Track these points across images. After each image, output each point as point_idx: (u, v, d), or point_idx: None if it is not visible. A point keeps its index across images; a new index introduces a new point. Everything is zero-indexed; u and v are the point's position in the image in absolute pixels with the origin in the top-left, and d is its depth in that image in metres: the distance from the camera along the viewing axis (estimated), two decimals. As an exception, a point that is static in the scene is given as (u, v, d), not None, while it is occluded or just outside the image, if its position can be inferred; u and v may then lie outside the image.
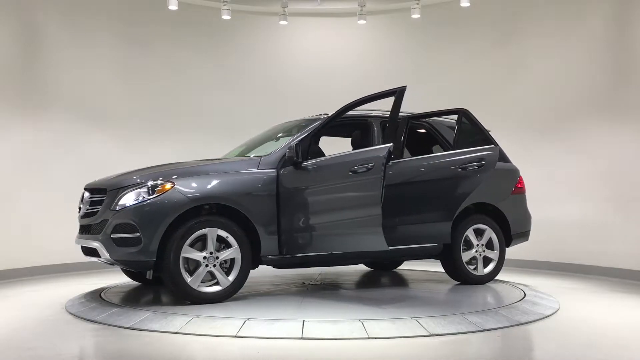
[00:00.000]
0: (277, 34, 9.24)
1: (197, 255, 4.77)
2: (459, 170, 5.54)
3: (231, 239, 4.87)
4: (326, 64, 9.19)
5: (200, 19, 8.92)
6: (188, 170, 4.99)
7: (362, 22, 8.83)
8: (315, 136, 5.32)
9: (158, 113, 8.62)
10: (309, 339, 3.91)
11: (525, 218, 6.44)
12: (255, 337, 3.94)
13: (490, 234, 6.06)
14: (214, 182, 4.90)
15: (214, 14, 8.73)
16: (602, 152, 7.39)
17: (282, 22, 8.82)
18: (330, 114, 5.41)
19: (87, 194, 5.27)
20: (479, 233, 6.04)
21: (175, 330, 4.09)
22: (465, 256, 5.92)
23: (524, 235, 6.43)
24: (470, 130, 5.84)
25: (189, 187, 4.80)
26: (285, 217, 5.02)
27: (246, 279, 5.01)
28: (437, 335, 4.03)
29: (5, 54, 7.26)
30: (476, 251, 6.01)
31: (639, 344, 4.04)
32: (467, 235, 5.94)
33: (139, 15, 8.58)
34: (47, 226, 7.44)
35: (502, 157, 6.30)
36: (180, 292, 4.77)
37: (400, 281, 6.50)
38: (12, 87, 7.33)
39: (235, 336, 3.96)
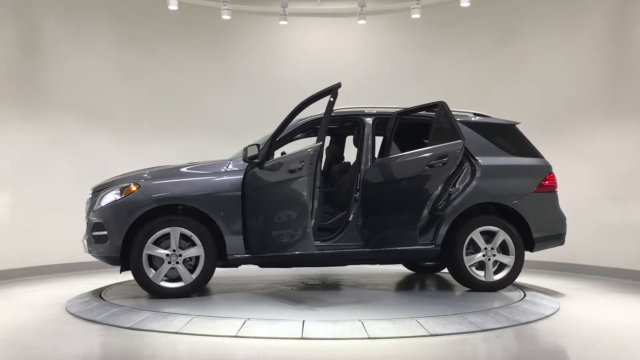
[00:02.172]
0: (277, 34, 9.24)
1: (160, 253, 5.04)
2: (427, 168, 5.11)
3: (195, 238, 5.08)
4: (326, 64, 9.18)
5: (200, 19, 8.93)
6: (159, 173, 5.31)
7: (362, 22, 8.83)
8: (274, 138, 5.28)
9: (158, 113, 8.63)
10: (309, 339, 3.91)
11: (555, 219, 5.83)
12: (255, 337, 3.94)
13: (503, 236, 5.53)
14: (178, 184, 5.16)
15: (214, 14, 8.73)
16: (603, 151, 7.39)
17: (282, 22, 8.82)
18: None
19: (89, 195, 5.56)
20: (492, 235, 5.56)
21: (175, 330, 4.09)
22: (469, 260, 5.49)
23: (554, 238, 5.82)
24: (446, 124, 5.35)
25: (153, 189, 5.11)
26: (249, 216, 5.12)
27: (211, 276, 5.21)
28: (437, 335, 4.03)
29: (6, 54, 7.25)
30: (484, 255, 5.51)
31: (639, 343, 4.04)
32: (472, 238, 5.50)
33: (139, 15, 8.58)
34: (47, 226, 7.44)
35: (527, 152, 5.92)
36: (144, 286, 5.08)
37: (401, 281, 6.50)
38: (12, 87, 7.32)
39: (235, 336, 3.96)
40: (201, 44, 8.99)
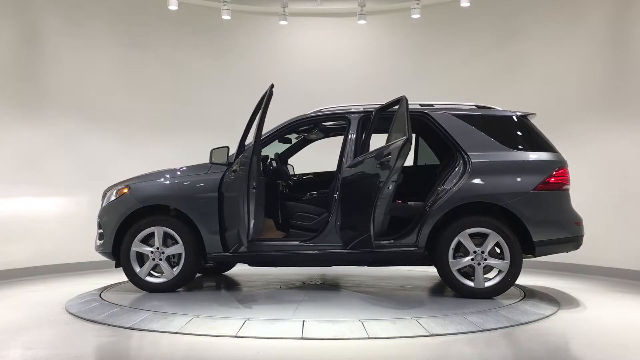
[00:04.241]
0: (277, 34, 9.23)
1: (146, 250, 5.41)
2: (378, 166, 4.83)
3: (177, 237, 5.37)
4: (326, 64, 9.18)
5: (200, 19, 8.92)
6: (149, 176, 5.67)
7: (362, 22, 8.82)
8: (242, 141, 5.40)
9: (158, 113, 8.62)
10: (309, 339, 3.92)
11: (563, 220, 5.24)
12: (255, 337, 3.94)
13: (496, 239, 5.05)
14: (162, 187, 5.55)
15: (214, 14, 8.73)
16: (602, 151, 7.39)
17: (282, 22, 8.82)
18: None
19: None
20: (484, 238, 5.11)
21: (175, 330, 4.09)
22: (455, 264, 5.08)
23: (563, 242, 5.26)
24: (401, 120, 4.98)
25: (140, 191, 5.49)
26: (224, 217, 5.28)
27: (193, 272, 5.51)
28: (437, 335, 4.03)
29: (6, 54, 7.25)
30: (472, 259, 5.06)
31: (639, 344, 4.04)
32: (460, 241, 5.08)
33: (139, 15, 8.57)
34: (47, 226, 7.43)
35: (536, 146, 5.43)
36: (131, 280, 5.46)
37: (401, 282, 6.49)
38: (12, 88, 7.31)
39: (235, 336, 3.96)
40: (201, 43, 8.98)
